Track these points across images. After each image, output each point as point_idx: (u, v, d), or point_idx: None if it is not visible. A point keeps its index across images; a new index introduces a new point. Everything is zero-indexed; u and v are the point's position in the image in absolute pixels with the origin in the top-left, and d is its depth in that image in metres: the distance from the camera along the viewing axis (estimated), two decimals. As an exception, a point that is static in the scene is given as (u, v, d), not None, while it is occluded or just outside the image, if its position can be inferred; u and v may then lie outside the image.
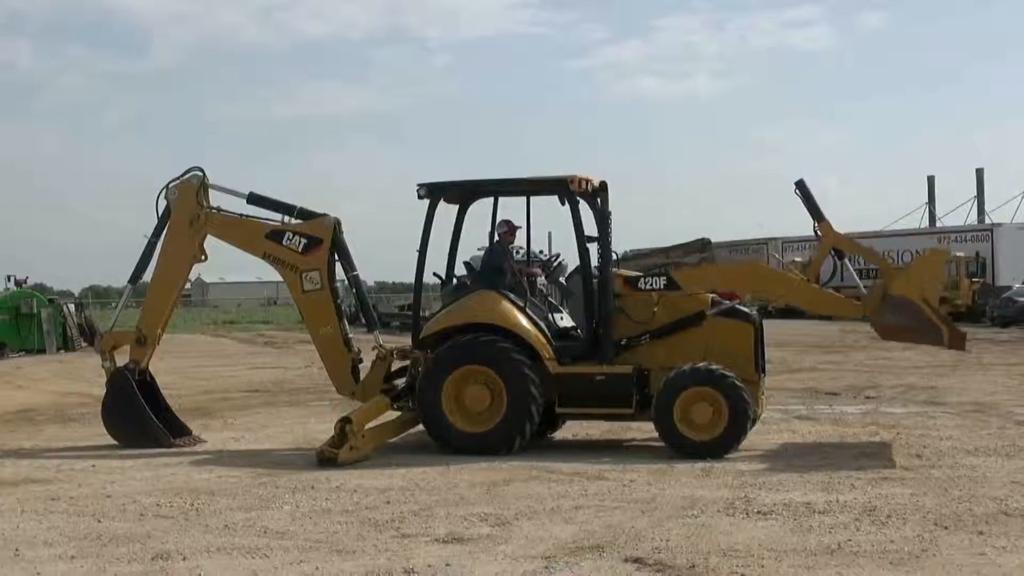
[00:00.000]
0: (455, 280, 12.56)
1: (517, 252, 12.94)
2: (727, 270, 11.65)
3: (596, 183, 11.78)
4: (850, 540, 7.39)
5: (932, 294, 10.97)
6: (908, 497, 8.76)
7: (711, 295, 11.67)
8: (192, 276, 13.53)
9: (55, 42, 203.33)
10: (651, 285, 11.72)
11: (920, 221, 65.49)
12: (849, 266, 11.61)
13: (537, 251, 13.92)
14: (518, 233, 12.50)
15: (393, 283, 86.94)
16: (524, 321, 11.51)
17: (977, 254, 44.97)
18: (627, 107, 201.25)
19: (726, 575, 6.60)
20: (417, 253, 12.09)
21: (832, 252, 11.58)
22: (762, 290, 11.61)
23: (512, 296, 11.69)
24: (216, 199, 12.86)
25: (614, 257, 11.89)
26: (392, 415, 12.07)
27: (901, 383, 17.69)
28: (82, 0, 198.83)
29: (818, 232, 11.58)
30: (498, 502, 8.90)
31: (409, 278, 12.60)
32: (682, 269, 11.89)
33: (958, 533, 7.56)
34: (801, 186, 11.66)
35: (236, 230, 12.80)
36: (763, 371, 11.75)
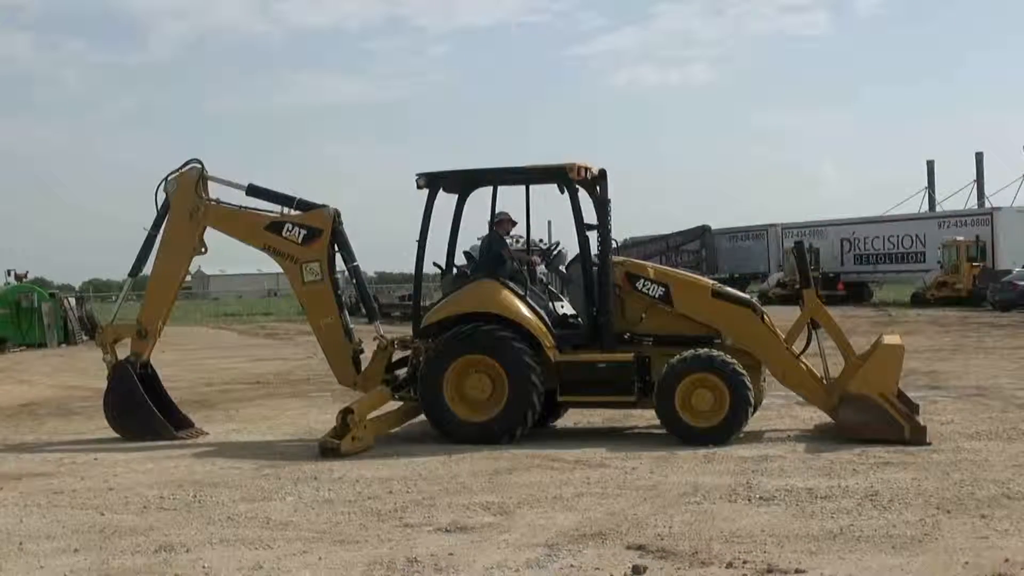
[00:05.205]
0: (455, 270, 12.55)
1: (516, 241, 12.91)
2: (725, 311, 11.44)
3: (595, 171, 11.76)
4: (852, 525, 7.40)
5: (890, 388, 10.89)
6: (910, 481, 8.76)
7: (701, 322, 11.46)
8: (192, 268, 13.51)
9: (54, 35, 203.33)
10: (648, 290, 11.64)
11: (920, 205, 65.61)
12: (820, 340, 11.44)
13: (537, 239, 13.91)
14: (519, 221, 12.49)
15: (393, 273, 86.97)
16: (525, 310, 11.50)
17: (977, 238, 44.94)
18: (626, 94, 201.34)
19: (729, 561, 6.60)
20: (417, 243, 12.08)
21: (809, 321, 11.49)
22: (749, 343, 11.41)
23: (512, 285, 11.69)
24: (215, 191, 12.85)
25: (614, 245, 11.85)
26: (394, 405, 12.09)
27: (902, 367, 17.60)
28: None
29: (803, 297, 11.51)
30: (500, 491, 8.91)
31: (409, 268, 12.59)
32: (685, 285, 11.63)
33: (960, 517, 7.56)
34: (798, 248, 12.30)
35: (236, 222, 12.79)
36: (764, 357, 11.73)
